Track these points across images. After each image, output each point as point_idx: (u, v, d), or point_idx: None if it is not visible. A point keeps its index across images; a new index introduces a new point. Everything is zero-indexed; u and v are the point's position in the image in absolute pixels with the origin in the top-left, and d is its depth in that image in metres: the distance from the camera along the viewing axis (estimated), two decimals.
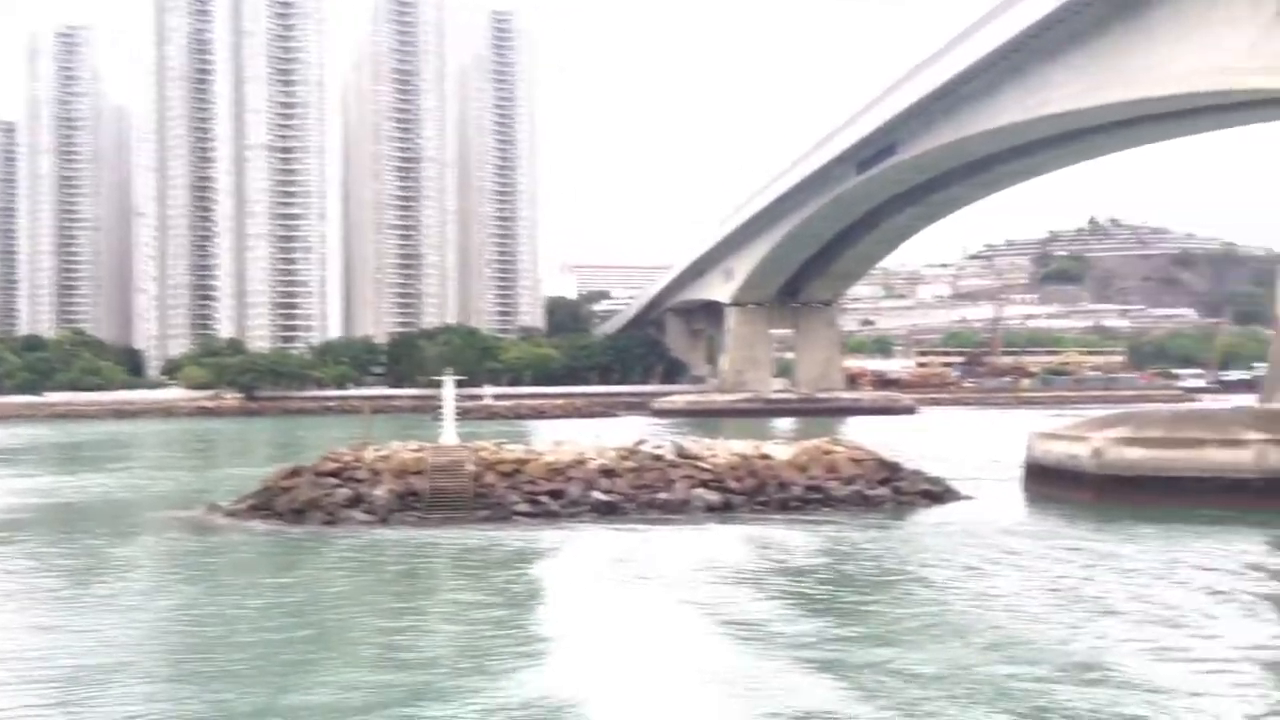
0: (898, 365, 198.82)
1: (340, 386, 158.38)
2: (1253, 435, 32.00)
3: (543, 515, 31.55)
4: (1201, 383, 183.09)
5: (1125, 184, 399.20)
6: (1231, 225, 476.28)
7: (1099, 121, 57.87)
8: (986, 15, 57.18)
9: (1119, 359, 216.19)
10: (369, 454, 34.76)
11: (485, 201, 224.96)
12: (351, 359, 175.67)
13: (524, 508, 31.87)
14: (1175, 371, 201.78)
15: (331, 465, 34.19)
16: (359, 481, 33.05)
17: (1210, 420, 34.82)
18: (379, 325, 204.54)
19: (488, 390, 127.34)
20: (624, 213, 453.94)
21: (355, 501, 32.18)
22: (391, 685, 15.36)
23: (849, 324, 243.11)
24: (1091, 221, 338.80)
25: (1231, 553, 24.94)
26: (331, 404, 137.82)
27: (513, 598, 21.48)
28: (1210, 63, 42.01)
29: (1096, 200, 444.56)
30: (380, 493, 32.24)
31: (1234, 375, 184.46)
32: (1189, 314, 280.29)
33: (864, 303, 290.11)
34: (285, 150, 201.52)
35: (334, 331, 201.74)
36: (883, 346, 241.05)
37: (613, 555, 25.77)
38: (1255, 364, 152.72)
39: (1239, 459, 31.66)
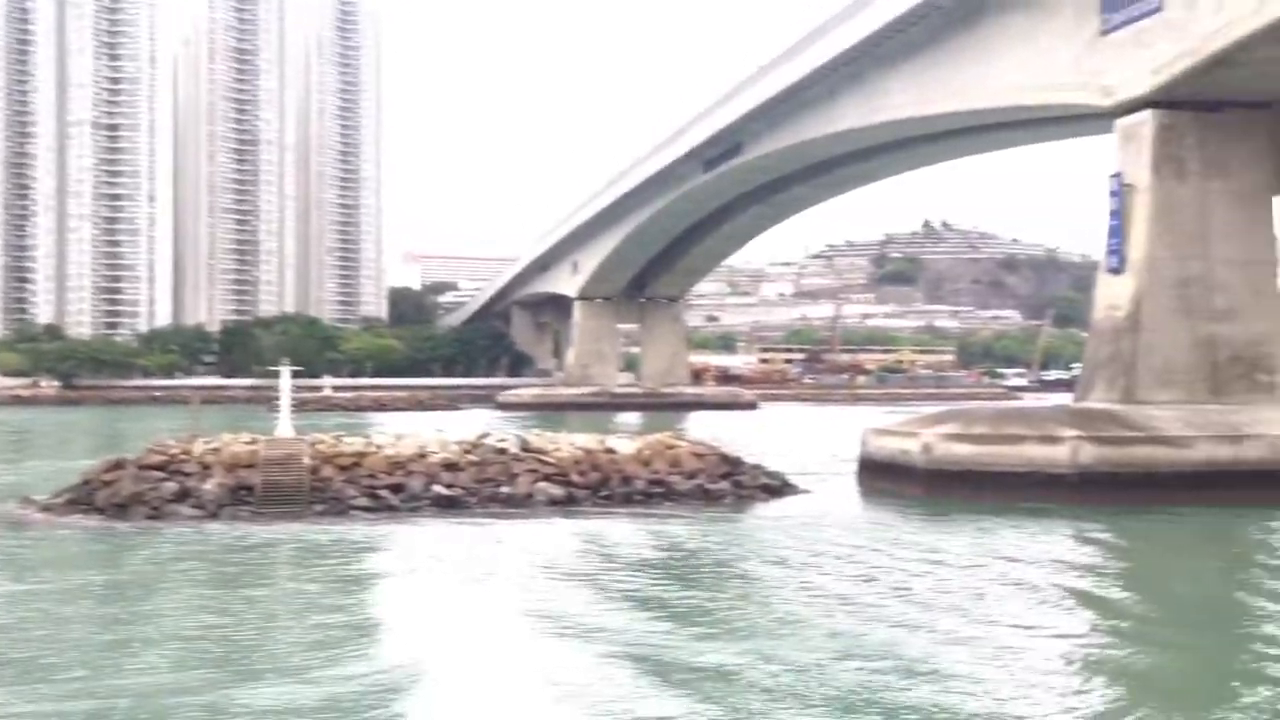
0: (741, 361, 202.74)
1: (169, 376, 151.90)
2: (1068, 432, 33.68)
3: (382, 510, 30.88)
4: (1024, 381, 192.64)
5: (957, 189, 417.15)
6: (1054, 232, 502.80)
7: (933, 130, 60.13)
8: (828, 22, 58.65)
9: (949, 358, 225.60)
10: (198, 446, 33.37)
11: (327, 188, 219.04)
12: (181, 347, 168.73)
13: (363, 502, 31.12)
14: (1000, 371, 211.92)
15: (157, 458, 32.68)
16: (187, 475, 31.69)
17: (1030, 418, 36.52)
18: (212, 313, 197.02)
19: (327, 381, 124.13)
20: (471, 204, 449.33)
21: (183, 496, 30.83)
22: (207, 680, 14.75)
23: (694, 320, 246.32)
24: (926, 225, 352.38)
25: (1047, 544, 26.25)
26: (159, 394, 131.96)
27: (342, 593, 20.94)
28: (1036, 78, 44.04)
29: (931, 205, 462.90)
30: (210, 487, 30.99)
31: (1053, 375, 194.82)
32: (1014, 316, 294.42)
33: (709, 299, 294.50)
34: (111, 127, 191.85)
35: (163, 319, 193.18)
36: (727, 343, 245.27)
37: (450, 550, 25.44)
38: (1073, 364, 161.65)
39: (1055, 455, 33.30)
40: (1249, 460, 33.70)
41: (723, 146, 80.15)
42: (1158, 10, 37.42)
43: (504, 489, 32.50)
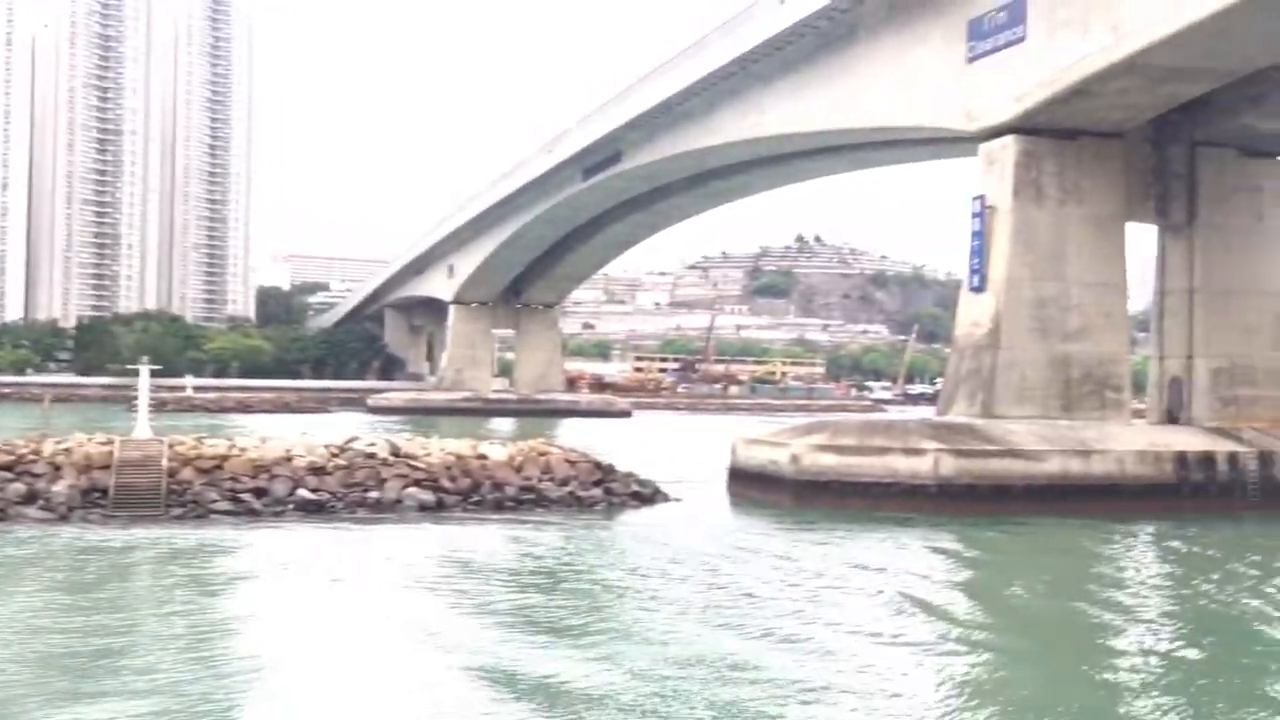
0: (616, 369, 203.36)
1: (19, 373, 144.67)
2: (930, 445, 34.74)
3: (244, 514, 30.00)
4: (890, 395, 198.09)
5: (830, 206, 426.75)
6: (921, 251, 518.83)
7: (808, 147, 61.44)
8: (709, 36, 59.43)
9: (819, 370, 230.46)
10: (49, 446, 31.90)
11: (194, 182, 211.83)
12: (33, 343, 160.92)
13: (224, 506, 30.19)
14: (868, 384, 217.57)
15: (4, 458, 31.13)
16: (36, 476, 30.27)
17: (895, 430, 37.51)
18: (68, 308, 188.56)
19: (189, 382, 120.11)
20: (346, 204, 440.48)
21: (30, 498, 29.44)
22: (51, 688, 14.11)
23: (570, 327, 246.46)
24: (799, 240, 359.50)
25: (904, 552, 26.99)
26: (8, 391, 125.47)
27: (195, 598, 20.26)
28: (905, 100, 45.43)
29: (804, 220, 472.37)
30: (60, 488, 29.65)
31: (918, 389, 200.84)
32: (882, 331, 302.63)
33: (586, 306, 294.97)
34: None
35: (13, 313, 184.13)
36: (602, 350, 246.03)
37: (311, 555, 24.86)
38: (936, 379, 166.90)
39: (918, 466, 34.32)
40: (1096, 474, 35.33)
41: (602, 155, 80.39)
42: (1020, 41, 39.02)
43: (372, 494, 31.93)
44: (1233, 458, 36.67)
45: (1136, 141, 42.13)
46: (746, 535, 29.87)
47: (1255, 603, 21.69)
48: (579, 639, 17.39)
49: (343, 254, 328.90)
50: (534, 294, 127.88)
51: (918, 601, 20.73)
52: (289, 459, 32.77)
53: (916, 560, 25.86)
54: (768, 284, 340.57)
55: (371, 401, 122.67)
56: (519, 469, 34.91)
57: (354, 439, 36.20)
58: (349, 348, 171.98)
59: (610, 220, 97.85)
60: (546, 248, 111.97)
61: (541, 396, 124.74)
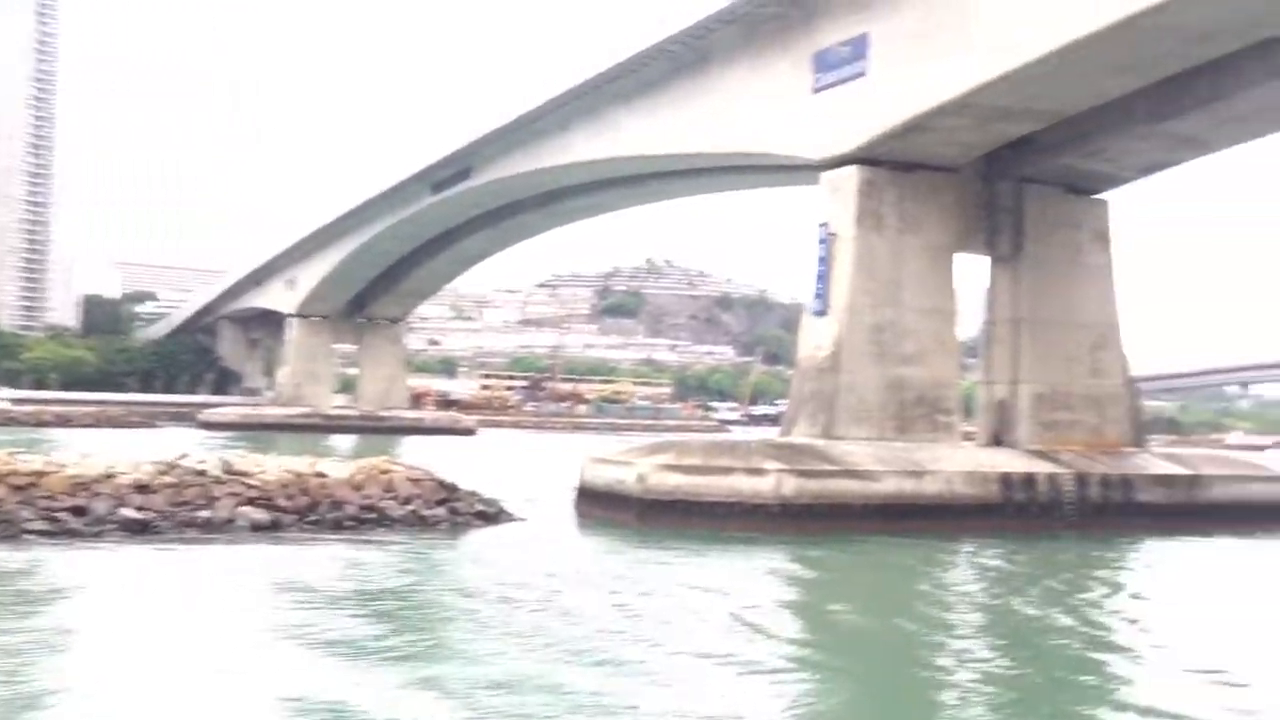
0: (462, 386, 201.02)
1: None
2: (772, 465, 35.37)
3: (62, 534, 28.25)
4: (734, 415, 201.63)
5: (679, 228, 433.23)
6: (766, 274, 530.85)
7: (662, 169, 62.20)
8: (564, 54, 59.64)
9: (666, 390, 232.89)
10: None
11: (15, 182, 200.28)
12: None
13: (39, 525, 28.36)
14: (713, 404, 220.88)
15: None
16: None
17: (739, 450, 38.05)
18: None
19: (4, 394, 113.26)
20: (181, 211, 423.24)
21: None
22: None
23: (416, 342, 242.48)
24: (648, 261, 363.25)
25: (745, 571, 27.37)
26: None
27: None
28: (756, 127, 46.50)
29: (654, 241, 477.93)
30: None
31: (761, 410, 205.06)
32: (728, 352, 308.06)
33: (432, 322, 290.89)
34: None
35: None
36: (448, 367, 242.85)
37: (128, 577, 23.60)
38: (779, 400, 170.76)
39: (760, 486, 34.87)
40: (928, 494, 36.61)
41: (453, 169, 79.56)
42: (863, 75, 40.45)
43: (202, 513, 30.56)
44: (1052, 479, 38.54)
45: (969, 176, 44.12)
46: (589, 555, 29.78)
47: (1065, 618, 22.75)
48: (398, 662, 16.86)
49: (177, 262, 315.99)
50: (379, 309, 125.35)
51: (750, 620, 20.93)
52: (111, 476, 31.09)
53: (754, 579, 26.23)
54: (617, 304, 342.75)
55: (203, 417, 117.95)
56: (360, 487, 34.00)
57: (184, 455, 34.63)
58: (180, 360, 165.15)
59: (460, 235, 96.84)
60: (393, 262, 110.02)
61: (385, 413, 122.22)
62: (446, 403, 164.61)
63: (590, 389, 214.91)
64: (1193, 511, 39.48)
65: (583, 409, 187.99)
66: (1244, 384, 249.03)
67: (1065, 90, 36.94)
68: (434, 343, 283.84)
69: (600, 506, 37.74)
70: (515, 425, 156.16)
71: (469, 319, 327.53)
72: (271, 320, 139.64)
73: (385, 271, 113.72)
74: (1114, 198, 46.97)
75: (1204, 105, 37.61)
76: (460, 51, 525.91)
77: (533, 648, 18.03)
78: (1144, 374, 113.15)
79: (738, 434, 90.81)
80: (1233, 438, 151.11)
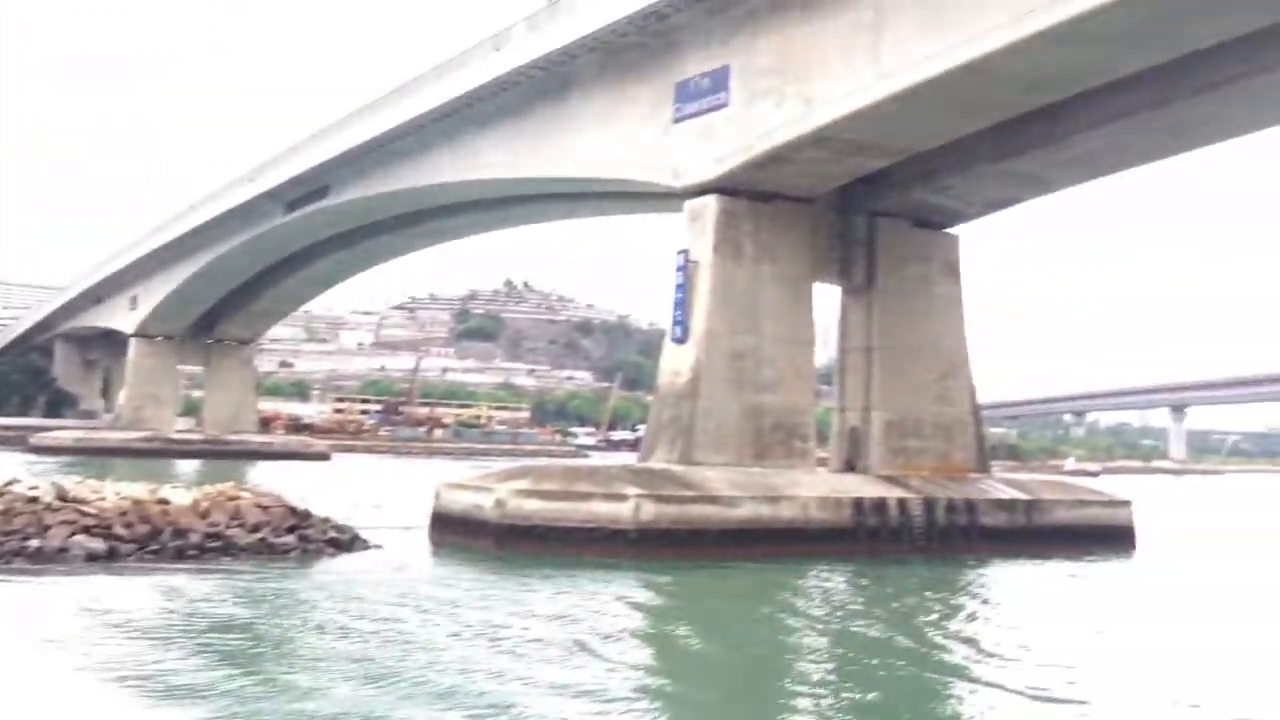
0: (314, 410, 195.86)
1: None
2: (631, 490, 35.46)
3: None
4: (593, 440, 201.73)
5: (540, 252, 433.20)
6: (626, 300, 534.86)
7: (522, 192, 62.02)
8: (427, 75, 58.92)
9: (525, 415, 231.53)
10: None
11: None
12: None
13: None
14: (572, 429, 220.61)
15: None
16: None
17: (598, 475, 38.06)
18: None
19: None
20: (13, 226, 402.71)
21: None
22: None
23: (267, 365, 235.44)
24: (508, 284, 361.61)
25: (602, 597, 27.21)
26: None
27: None
28: (616, 154, 46.82)
29: (514, 264, 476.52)
30: None
31: (620, 435, 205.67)
32: (587, 377, 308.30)
33: (284, 344, 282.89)
34: None
35: None
36: (301, 390, 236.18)
37: None
38: (638, 426, 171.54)
39: (619, 512, 34.91)
40: (784, 518, 37.26)
41: (308, 188, 77.62)
42: (724, 106, 41.21)
43: (33, 542, 28.87)
44: (902, 503, 39.70)
45: (825, 208, 45.37)
46: (442, 583, 29.20)
47: (907, 640, 23.38)
48: (217, 699, 16.03)
49: (9, 278, 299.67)
50: (228, 329, 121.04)
51: (595, 647, 20.75)
52: None
53: (606, 605, 26.14)
54: (475, 327, 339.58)
55: (35, 440, 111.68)
56: (205, 514, 32.66)
57: (13, 481, 32.73)
58: (11, 380, 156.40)
59: (315, 255, 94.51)
60: (244, 281, 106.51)
61: (232, 437, 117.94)
62: (298, 427, 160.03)
63: (448, 413, 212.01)
64: (1031, 534, 41.25)
65: (440, 433, 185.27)
66: (1078, 413, 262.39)
67: (913, 129, 38.38)
68: (286, 365, 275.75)
69: (457, 533, 37.17)
70: (370, 450, 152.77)
71: (323, 341, 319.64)
72: (113, 340, 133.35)
73: (235, 291, 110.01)
74: (964, 231, 48.99)
75: (1041, 147, 39.67)
76: (322, 58, 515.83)
77: (368, 680, 17.45)
78: (987, 402, 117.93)
79: (596, 459, 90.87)
80: (1068, 463, 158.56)
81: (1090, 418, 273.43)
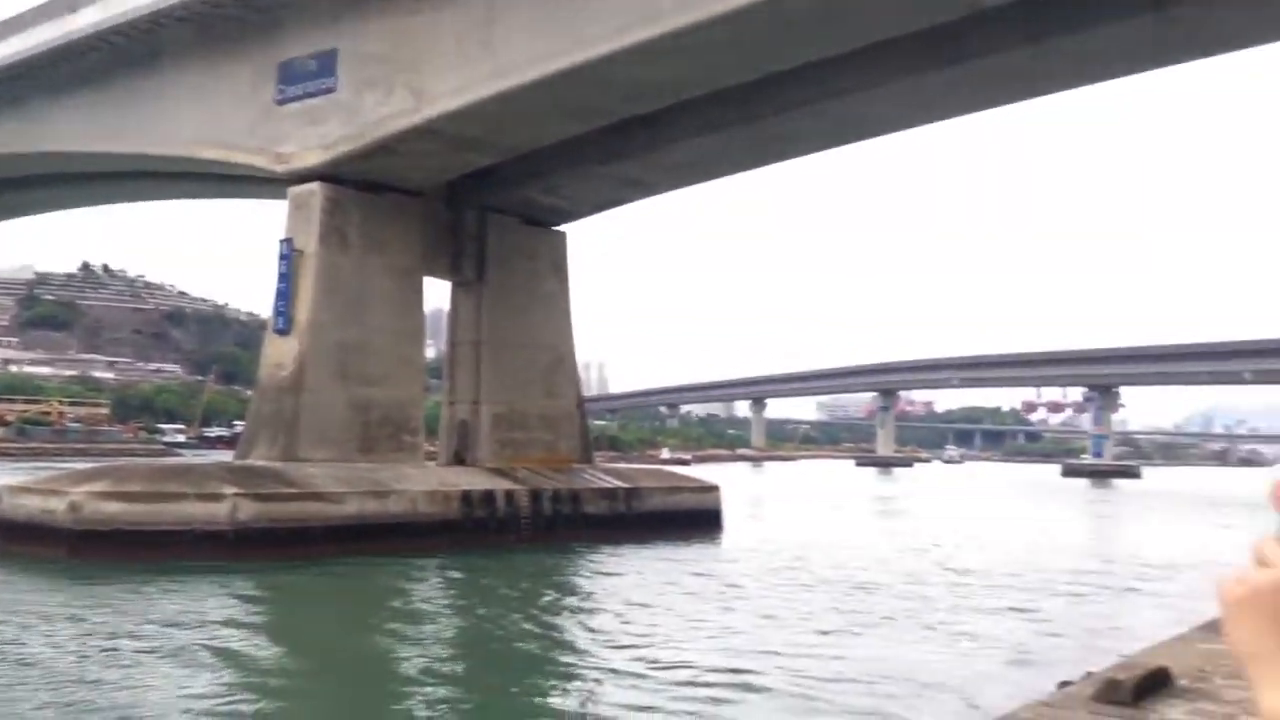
0: None
1: None
2: (228, 489, 33.58)
3: None
4: (184, 438, 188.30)
5: (124, 233, 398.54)
6: (223, 288, 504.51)
7: (105, 169, 56.63)
8: None
9: (104, 411, 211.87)
10: None
11: None
12: None
13: None
14: (160, 426, 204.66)
15: None
16: None
17: (190, 475, 35.76)
18: None
19: None
20: None
21: None
22: None
23: None
24: (85, 268, 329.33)
25: (193, 602, 25.54)
26: None
27: None
28: (214, 134, 44.02)
29: (92, 246, 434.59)
30: None
31: (216, 432, 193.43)
32: (177, 370, 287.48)
33: None
34: None
35: None
36: None
37: None
38: (236, 421, 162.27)
39: (215, 512, 32.95)
40: (392, 513, 36.82)
41: None
42: (331, 92, 39.97)
43: None
44: (509, 495, 40.49)
45: (436, 202, 45.24)
46: (15, 598, 26.17)
47: (521, 624, 24.15)
48: None
49: None
50: None
51: (204, 652, 19.68)
52: None
53: (206, 610, 24.60)
54: (45, 314, 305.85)
55: None
56: None
57: None
58: None
59: None
60: None
61: None
62: None
63: (10, 410, 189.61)
64: (632, 521, 43.49)
65: (2, 432, 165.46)
66: (672, 405, 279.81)
67: (522, 128, 39.19)
68: None
69: (23, 542, 33.41)
70: None
71: None
72: None
73: None
74: (573, 229, 50.67)
75: (644, 152, 41.93)
76: None
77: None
78: (590, 395, 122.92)
79: (189, 458, 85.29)
80: (664, 453, 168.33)
81: (683, 409, 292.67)
